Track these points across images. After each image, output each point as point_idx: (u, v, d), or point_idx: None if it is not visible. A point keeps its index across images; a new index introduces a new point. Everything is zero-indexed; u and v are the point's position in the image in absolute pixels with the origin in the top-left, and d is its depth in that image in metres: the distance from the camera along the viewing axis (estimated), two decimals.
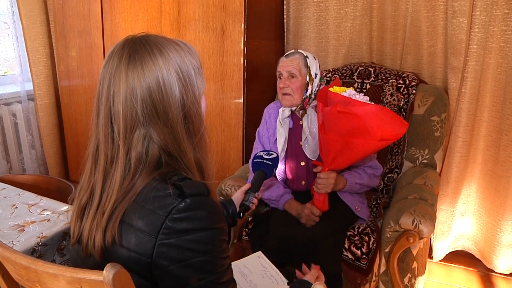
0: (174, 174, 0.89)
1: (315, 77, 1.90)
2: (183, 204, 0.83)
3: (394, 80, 2.30)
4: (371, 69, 2.39)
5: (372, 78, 2.36)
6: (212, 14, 2.33)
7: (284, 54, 2.78)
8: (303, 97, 1.90)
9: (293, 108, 1.93)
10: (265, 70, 2.59)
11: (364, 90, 2.35)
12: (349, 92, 1.72)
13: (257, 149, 2.02)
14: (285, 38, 2.80)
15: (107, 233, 0.85)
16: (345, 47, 2.62)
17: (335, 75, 2.47)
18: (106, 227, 0.86)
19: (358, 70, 2.42)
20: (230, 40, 2.32)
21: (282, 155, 1.93)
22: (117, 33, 2.66)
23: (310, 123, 1.91)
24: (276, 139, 1.96)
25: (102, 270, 0.83)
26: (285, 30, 2.78)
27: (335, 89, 1.75)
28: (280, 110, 1.96)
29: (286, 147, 1.94)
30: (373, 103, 1.69)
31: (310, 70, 1.89)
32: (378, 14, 2.52)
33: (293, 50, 1.97)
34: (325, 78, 2.44)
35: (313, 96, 1.92)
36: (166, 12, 2.45)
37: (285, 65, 1.91)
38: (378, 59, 2.61)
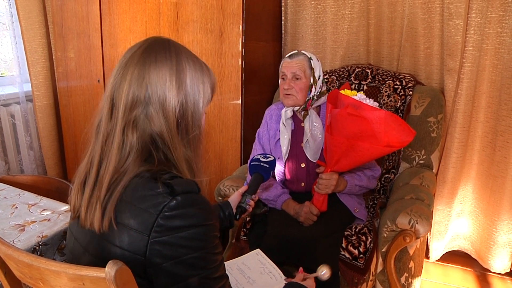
0: (165, 173, 0.91)
1: (318, 78, 1.91)
2: (174, 202, 0.85)
3: (391, 82, 2.32)
4: (368, 71, 2.41)
5: (369, 80, 2.38)
6: (210, 15, 2.35)
7: (282, 55, 2.83)
8: (307, 98, 1.91)
9: (296, 109, 1.94)
10: (263, 72, 2.61)
11: (361, 91, 2.36)
12: (359, 96, 1.74)
13: (256, 150, 2.04)
14: (282, 40, 2.82)
15: (105, 216, 0.88)
16: (342, 48, 2.64)
17: (332, 77, 2.48)
18: (103, 201, 0.89)
19: (355, 72, 2.44)
20: (228, 41, 2.33)
21: (285, 157, 1.94)
22: (116, 35, 2.68)
23: (312, 124, 1.92)
24: (277, 140, 1.97)
25: (88, 259, 0.89)
26: (282, 31, 2.80)
27: (346, 92, 1.77)
28: (283, 111, 1.96)
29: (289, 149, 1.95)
30: (382, 109, 1.71)
31: (314, 72, 1.90)
32: (375, 16, 2.55)
33: (296, 51, 1.96)
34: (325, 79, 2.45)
35: (315, 97, 1.93)
36: (165, 13, 2.47)
37: (289, 66, 1.91)
38: (375, 61, 2.63)
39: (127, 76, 0.93)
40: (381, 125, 1.63)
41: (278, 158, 1.95)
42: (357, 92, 1.79)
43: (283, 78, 1.94)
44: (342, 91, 1.78)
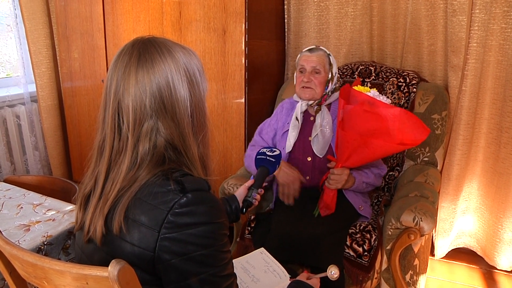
0: (176, 171, 0.92)
1: (335, 74, 1.95)
2: (185, 199, 0.86)
3: (394, 79, 2.31)
4: (371, 68, 2.40)
5: (373, 77, 2.37)
6: (213, 14, 2.35)
7: (285, 53, 2.83)
8: (323, 93, 1.93)
9: (311, 102, 1.96)
10: (267, 70, 2.61)
11: (374, 89, 2.35)
12: (373, 92, 1.74)
13: (255, 141, 2.08)
14: (286, 38, 2.81)
15: (114, 221, 0.87)
16: (346, 46, 2.64)
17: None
18: (108, 214, 0.90)
19: (359, 69, 2.43)
20: (231, 40, 2.33)
21: (289, 149, 1.95)
22: (119, 35, 2.68)
23: (322, 120, 1.93)
24: (284, 132, 1.99)
25: (101, 256, 0.89)
26: (285, 30, 2.80)
27: (359, 88, 1.77)
28: (298, 104, 1.98)
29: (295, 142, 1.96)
30: (395, 106, 1.71)
31: (332, 68, 1.93)
32: (378, 13, 2.54)
33: (314, 46, 2.00)
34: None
35: (329, 93, 1.94)
36: (168, 13, 2.47)
37: (310, 60, 1.94)
38: (378, 58, 2.62)
39: (129, 90, 0.91)
40: (395, 123, 1.62)
41: (283, 149, 1.97)
42: (371, 89, 1.78)
43: (301, 71, 1.96)
44: (355, 87, 1.78)
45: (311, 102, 1.96)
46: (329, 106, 2.01)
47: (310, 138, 1.95)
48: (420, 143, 1.71)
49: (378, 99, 1.70)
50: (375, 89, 1.77)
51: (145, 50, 0.93)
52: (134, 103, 0.91)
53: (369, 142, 1.66)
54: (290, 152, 1.97)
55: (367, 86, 2.36)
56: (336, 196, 1.82)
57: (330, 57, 1.96)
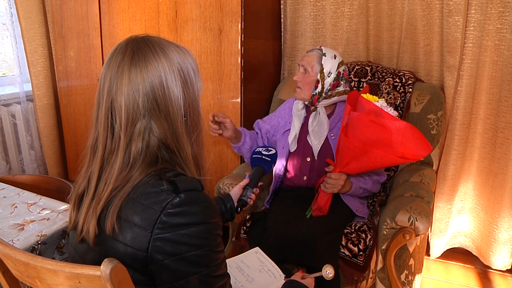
0: (169, 171, 0.92)
1: (328, 76, 1.92)
2: (178, 199, 0.86)
3: (390, 79, 2.31)
4: (367, 68, 2.40)
5: (369, 77, 2.38)
6: (209, 14, 2.34)
7: (281, 53, 2.83)
8: (312, 93, 1.92)
9: (306, 102, 2.00)
10: (263, 70, 2.61)
11: (361, 89, 2.36)
12: (381, 103, 1.73)
13: (253, 133, 2.10)
14: (282, 38, 2.81)
15: (107, 221, 0.87)
16: (342, 46, 2.64)
17: None
18: (101, 214, 0.89)
19: (355, 69, 2.43)
20: (227, 40, 2.33)
21: (292, 148, 1.96)
22: (115, 34, 2.68)
23: (314, 120, 1.94)
24: (285, 131, 2.00)
25: (93, 256, 0.89)
26: (282, 29, 2.80)
27: (368, 96, 1.75)
28: (295, 102, 2.03)
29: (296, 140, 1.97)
30: (401, 119, 1.71)
31: (323, 68, 1.91)
32: (375, 13, 2.54)
33: (318, 46, 2.02)
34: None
35: (323, 94, 1.93)
36: (164, 12, 2.46)
37: (303, 59, 1.97)
38: (374, 58, 2.63)
39: (122, 90, 0.91)
40: (399, 136, 1.62)
41: (283, 148, 1.96)
42: (380, 99, 1.77)
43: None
44: (363, 95, 1.77)
45: (306, 102, 1.97)
46: (334, 108, 2.01)
47: (308, 139, 1.96)
48: (421, 159, 1.70)
49: (385, 110, 1.70)
50: (383, 99, 1.77)
51: (139, 49, 0.93)
52: (127, 102, 0.91)
53: (370, 151, 1.66)
54: (287, 153, 1.97)
55: (363, 85, 2.37)
56: (331, 200, 1.82)
57: (324, 57, 1.92)
